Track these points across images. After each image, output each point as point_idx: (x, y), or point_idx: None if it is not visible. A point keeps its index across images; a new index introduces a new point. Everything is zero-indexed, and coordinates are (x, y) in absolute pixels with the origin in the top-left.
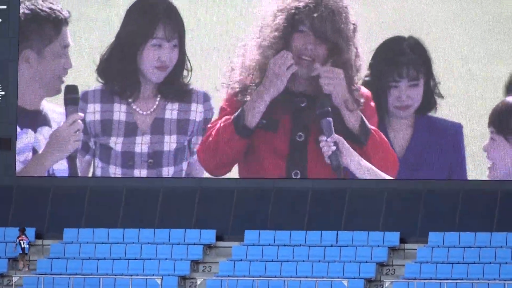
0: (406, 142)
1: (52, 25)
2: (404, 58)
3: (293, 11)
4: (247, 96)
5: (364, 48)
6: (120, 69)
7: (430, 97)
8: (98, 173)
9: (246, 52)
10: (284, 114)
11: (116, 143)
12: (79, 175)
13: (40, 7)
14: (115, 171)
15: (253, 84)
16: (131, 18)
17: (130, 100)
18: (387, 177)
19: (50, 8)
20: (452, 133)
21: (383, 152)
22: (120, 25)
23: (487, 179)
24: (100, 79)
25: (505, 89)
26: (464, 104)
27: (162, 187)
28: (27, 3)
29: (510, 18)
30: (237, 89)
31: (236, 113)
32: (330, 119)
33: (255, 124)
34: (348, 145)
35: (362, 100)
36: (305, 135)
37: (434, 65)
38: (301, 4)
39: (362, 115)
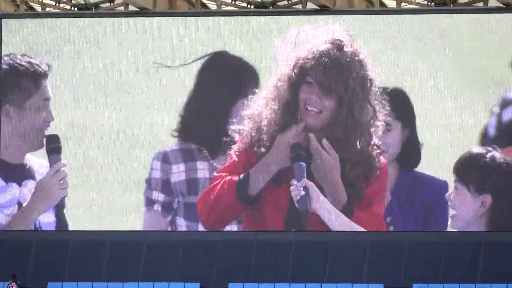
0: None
1: (31, 79)
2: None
3: (301, 61)
4: (261, 148)
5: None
6: (201, 128)
7: (412, 148)
8: None
9: (254, 104)
10: (284, 170)
11: None
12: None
13: (19, 61)
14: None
15: (264, 138)
16: (209, 77)
17: (209, 158)
18: (359, 228)
19: (29, 62)
20: (437, 191)
21: None
22: (195, 84)
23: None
24: (179, 138)
25: (480, 140)
26: (441, 155)
27: (146, 240)
28: (5, 58)
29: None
30: (249, 140)
31: (241, 178)
32: (303, 163)
33: (258, 193)
34: (318, 191)
35: (377, 172)
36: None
37: (416, 116)
38: (310, 55)
39: (349, 199)
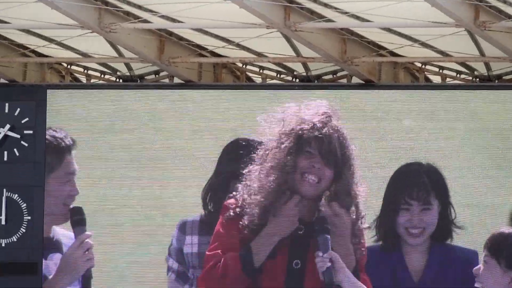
0: (421, 271)
1: (54, 153)
2: (417, 182)
3: (300, 133)
4: (252, 220)
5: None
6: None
7: (447, 226)
8: None
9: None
10: (282, 241)
11: None
12: None
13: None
14: None
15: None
16: (227, 156)
17: None
18: None
19: (53, 136)
20: (467, 261)
21: None
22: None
23: None
24: (204, 209)
25: (510, 218)
26: (474, 233)
27: None
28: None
29: None
30: (241, 216)
31: (244, 251)
32: (328, 236)
33: (261, 264)
34: (343, 263)
35: (364, 238)
36: (302, 263)
37: (451, 194)
38: (307, 126)
39: (356, 263)
